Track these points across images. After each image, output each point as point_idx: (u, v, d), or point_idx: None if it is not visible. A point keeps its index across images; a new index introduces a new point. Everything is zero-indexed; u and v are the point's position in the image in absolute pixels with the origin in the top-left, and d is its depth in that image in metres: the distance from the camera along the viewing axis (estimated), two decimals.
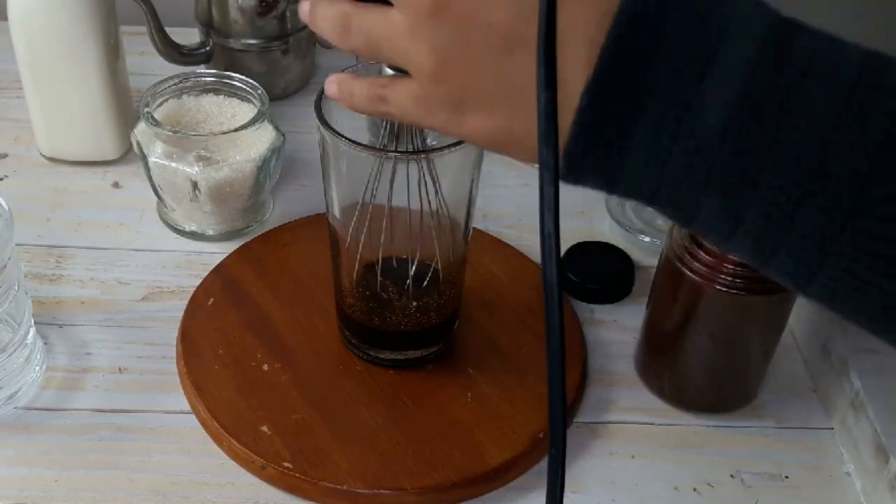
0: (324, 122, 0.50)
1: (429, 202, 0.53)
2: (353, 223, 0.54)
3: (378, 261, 0.55)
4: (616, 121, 0.33)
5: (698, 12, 0.32)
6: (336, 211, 0.54)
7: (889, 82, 0.31)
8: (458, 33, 0.36)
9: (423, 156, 0.51)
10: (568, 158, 0.35)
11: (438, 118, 0.39)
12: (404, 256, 0.56)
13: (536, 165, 0.35)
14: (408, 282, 0.55)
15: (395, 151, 0.50)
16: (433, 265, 0.55)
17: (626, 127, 0.33)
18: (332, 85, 0.44)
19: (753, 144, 0.32)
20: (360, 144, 0.49)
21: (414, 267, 0.55)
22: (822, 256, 0.32)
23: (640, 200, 0.36)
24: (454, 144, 0.49)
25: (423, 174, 0.52)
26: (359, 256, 0.55)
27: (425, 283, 0.56)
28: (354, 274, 0.56)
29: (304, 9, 0.42)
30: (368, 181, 0.51)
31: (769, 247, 0.33)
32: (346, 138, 0.49)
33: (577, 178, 0.36)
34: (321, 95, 0.51)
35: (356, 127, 0.53)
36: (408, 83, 0.39)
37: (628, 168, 0.34)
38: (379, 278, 0.55)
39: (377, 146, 0.51)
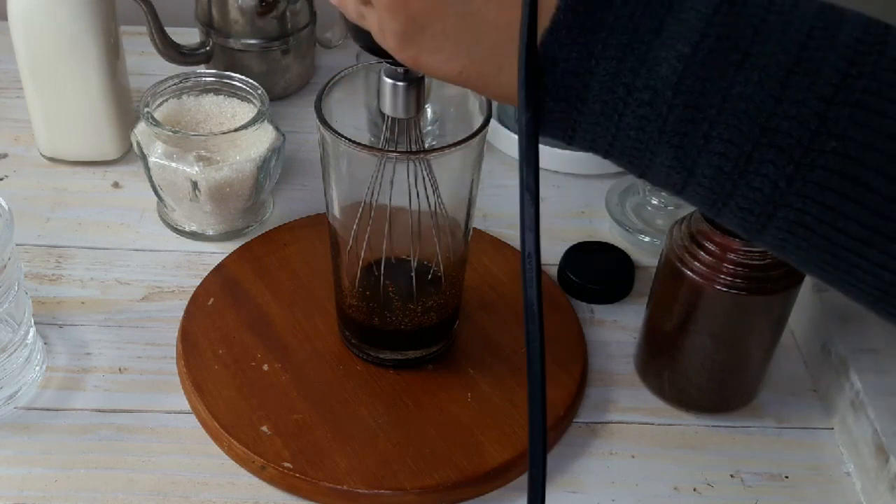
0: (324, 121, 0.50)
1: (428, 202, 0.53)
2: (353, 223, 0.54)
3: (378, 261, 0.55)
4: (574, 70, 0.34)
5: None
6: (336, 211, 0.54)
7: (839, 40, 0.32)
8: None
9: (422, 156, 0.51)
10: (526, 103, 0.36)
11: (397, 49, 0.38)
12: (405, 257, 0.56)
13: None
14: (408, 282, 0.55)
15: (395, 151, 0.50)
16: (433, 265, 0.55)
17: (583, 77, 0.34)
18: None
19: (705, 98, 0.33)
20: (360, 144, 0.49)
21: (414, 267, 0.55)
22: (772, 208, 0.33)
23: (596, 152, 0.37)
24: (454, 144, 0.49)
25: (423, 174, 0.52)
26: (359, 257, 0.55)
27: (425, 283, 0.56)
28: (355, 274, 0.56)
29: None
30: (369, 181, 0.51)
31: (721, 198, 0.34)
32: (345, 138, 0.49)
33: (539, 129, 0.36)
34: (321, 95, 0.51)
35: (356, 126, 0.53)
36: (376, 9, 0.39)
37: (586, 118, 0.35)
38: (379, 279, 0.55)
39: (377, 146, 0.51)
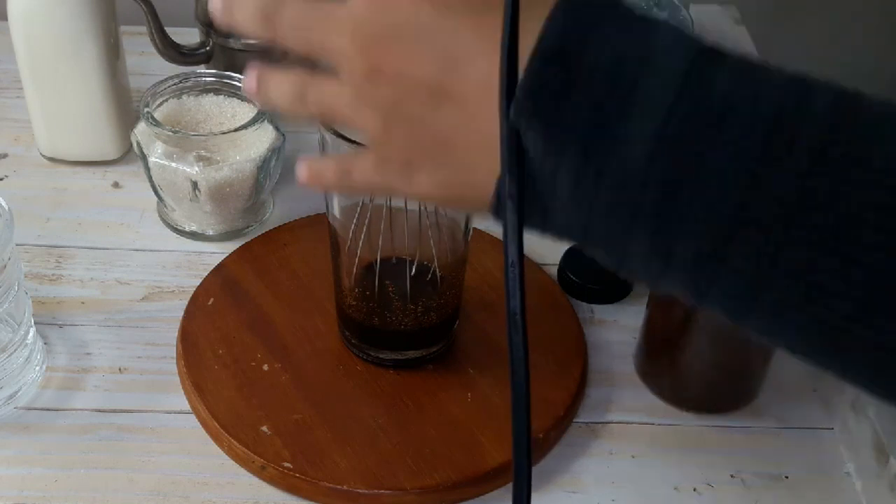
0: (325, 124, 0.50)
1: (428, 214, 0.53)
2: (353, 223, 0.54)
3: (378, 261, 0.55)
4: (540, 157, 0.34)
5: (618, 49, 0.32)
6: (336, 211, 0.54)
7: (812, 111, 0.31)
8: (393, 93, 0.37)
9: None
10: (499, 195, 0.36)
11: (395, 181, 0.40)
12: (404, 257, 0.56)
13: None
14: (408, 282, 0.55)
15: None
16: (433, 265, 0.55)
17: (550, 172, 0.34)
18: (302, 170, 0.44)
19: (677, 181, 0.31)
20: (360, 145, 0.49)
21: (414, 267, 0.55)
22: (757, 290, 0.31)
23: (572, 240, 0.36)
24: None
25: None
26: (359, 257, 0.55)
27: (425, 283, 0.56)
28: (354, 274, 0.56)
29: (250, 84, 0.43)
30: None
31: (703, 283, 0.33)
32: (346, 139, 0.49)
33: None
34: None
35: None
36: (366, 151, 0.40)
37: (558, 204, 0.35)
38: (379, 278, 0.55)
39: None
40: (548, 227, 0.36)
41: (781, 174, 0.30)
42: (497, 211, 0.36)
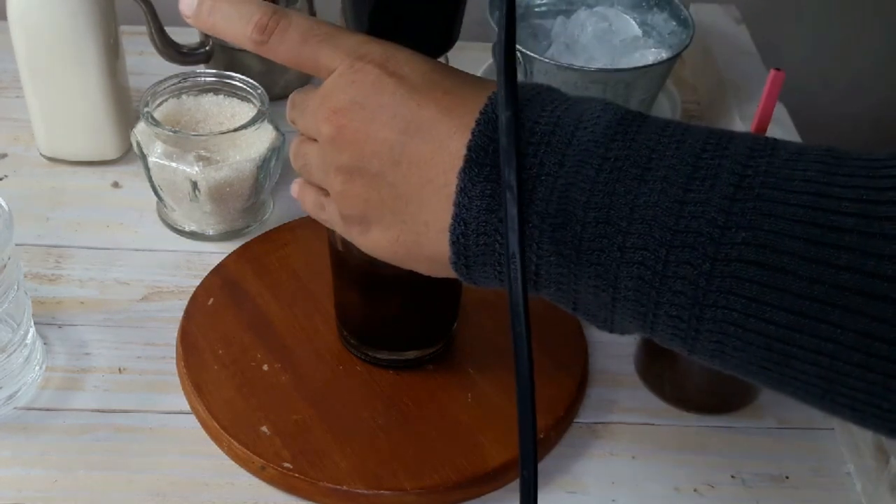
0: None
1: None
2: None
3: (376, 259, 0.55)
4: (487, 207, 0.37)
5: (554, 116, 0.37)
6: None
7: (731, 150, 0.34)
8: (355, 153, 0.40)
9: None
10: (455, 249, 0.39)
11: (353, 233, 0.43)
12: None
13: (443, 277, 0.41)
14: (406, 281, 0.55)
15: None
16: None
17: (496, 213, 0.37)
18: (295, 185, 0.48)
19: (614, 212, 0.34)
20: None
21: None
22: (699, 310, 0.33)
23: (531, 289, 0.38)
24: None
25: None
26: (356, 256, 0.54)
27: (424, 282, 0.56)
28: (352, 274, 0.56)
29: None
30: None
31: (650, 310, 0.35)
32: None
33: (467, 271, 0.40)
34: None
35: None
36: (332, 201, 0.43)
37: (501, 249, 0.37)
38: (377, 278, 0.55)
39: None
40: (503, 278, 0.38)
41: (707, 199, 0.33)
42: (458, 267, 0.39)
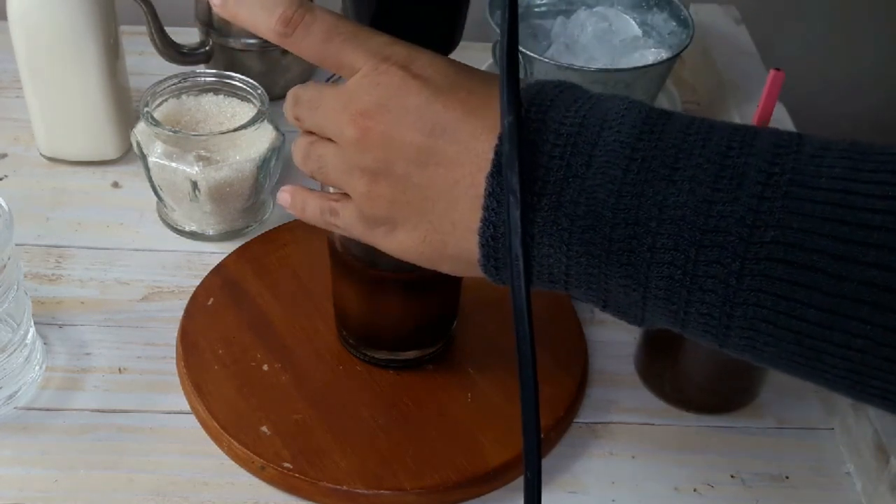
0: None
1: None
2: None
3: (374, 260, 0.55)
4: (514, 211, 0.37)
5: (579, 115, 0.37)
6: None
7: (757, 147, 0.34)
8: (380, 155, 0.40)
9: None
10: (484, 252, 0.39)
11: (376, 235, 0.43)
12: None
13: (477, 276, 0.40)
14: (406, 281, 0.55)
15: None
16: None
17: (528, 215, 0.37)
18: (285, 195, 0.48)
19: (643, 212, 0.35)
20: None
21: (412, 266, 0.55)
22: (729, 308, 0.34)
23: (556, 287, 0.39)
24: None
25: None
26: (356, 256, 0.54)
27: (423, 282, 0.56)
28: (352, 274, 0.56)
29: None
30: None
31: (681, 308, 0.36)
32: None
33: (496, 272, 0.40)
34: None
35: None
36: (351, 203, 0.43)
37: (539, 255, 0.38)
38: (376, 278, 0.55)
39: None
40: (532, 278, 0.39)
41: (735, 198, 0.34)
42: (487, 269, 0.40)
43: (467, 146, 0.39)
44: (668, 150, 0.35)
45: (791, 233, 0.33)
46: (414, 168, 0.40)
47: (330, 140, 0.43)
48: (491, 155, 0.38)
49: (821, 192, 0.33)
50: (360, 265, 0.54)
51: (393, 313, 0.57)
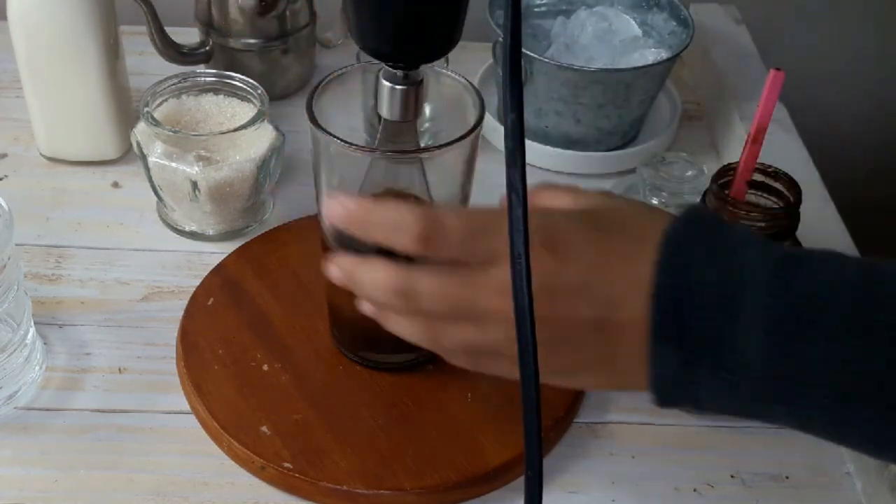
0: (314, 120, 0.49)
1: (422, 202, 0.53)
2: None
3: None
4: (680, 371, 0.41)
5: (717, 280, 0.40)
6: (325, 216, 0.54)
7: (884, 302, 0.39)
8: (558, 330, 0.42)
9: (413, 155, 0.51)
10: (658, 395, 0.43)
11: (557, 380, 0.45)
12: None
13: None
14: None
15: (387, 150, 0.50)
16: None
17: (690, 374, 0.41)
18: (405, 323, 0.46)
19: (790, 368, 0.39)
20: (351, 144, 0.49)
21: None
22: (883, 442, 0.40)
23: (733, 416, 0.43)
24: (448, 144, 0.49)
25: (416, 176, 0.52)
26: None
27: None
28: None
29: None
30: (361, 183, 0.51)
31: (842, 435, 0.42)
32: (336, 137, 0.48)
33: (673, 408, 0.44)
34: (313, 94, 0.50)
35: (351, 127, 0.53)
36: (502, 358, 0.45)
37: (705, 399, 0.42)
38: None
39: (371, 146, 0.51)
40: (704, 413, 0.47)
41: (868, 358, 0.38)
42: (662, 406, 0.43)
43: (639, 316, 0.41)
44: (803, 304, 0.39)
45: None
46: (591, 334, 0.43)
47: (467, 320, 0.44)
48: (650, 319, 0.41)
49: None
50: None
51: None
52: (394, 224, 0.43)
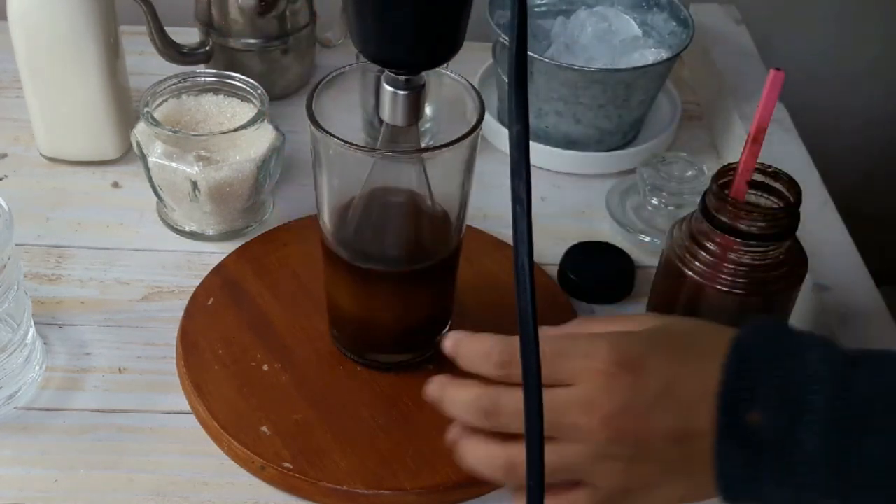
0: (314, 120, 0.49)
1: (421, 201, 0.53)
2: (345, 224, 0.54)
3: (369, 262, 0.54)
4: (745, 469, 0.43)
5: (783, 382, 0.43)
6: (326, 214, 0.54)
7: None
8: (637, 448, 0.44)
9: (415, 156, 0.51)
10: (723, 492, 0.44)
11: (633, 500, 0.46)
12: (396, 256, 0.55)
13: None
14: (400, 283, 0.55)
15: (388, 151, 0.50)
16: (425, 266, 0.55)
17: (755, 471, 0.43)
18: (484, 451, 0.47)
19: (846, 467, 0.41)
20: (351, 144, 0.48)
21: (407, 268, 0.55)
22: None
23: None
24: (447, 144, 0.49)
25: (416, 176, 0.52)
26: (350, 257, 0.54)
27: (418, 285, 0.56)
28: (346, 277, 0.56)
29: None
30: (361, 184, 0.51)
31: None
32: (337, 137, 0.48)
33: (735, 499, 0.45)
34: (313, 94, 0.50)
35: (351, 128, 0.53)
36: (592, 493, 0.46)
37: (767, 490, 0.44)
38: (370, 280, 0.55)
39: (372, 147, 0.51)
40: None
41: None
42: (730, 499, 0.45)
43: (713, 418, 0.43)
44: (860, 406, 0.42)
45: None
46: (671, 446, 0.44)
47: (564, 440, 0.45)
48: (715, 430, 0.43)
49: None
50: (351, 262, 0.54)
51: (386, 311, 0.57)
52: (479, 354, 0.47)
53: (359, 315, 0.58)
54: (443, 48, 0.47)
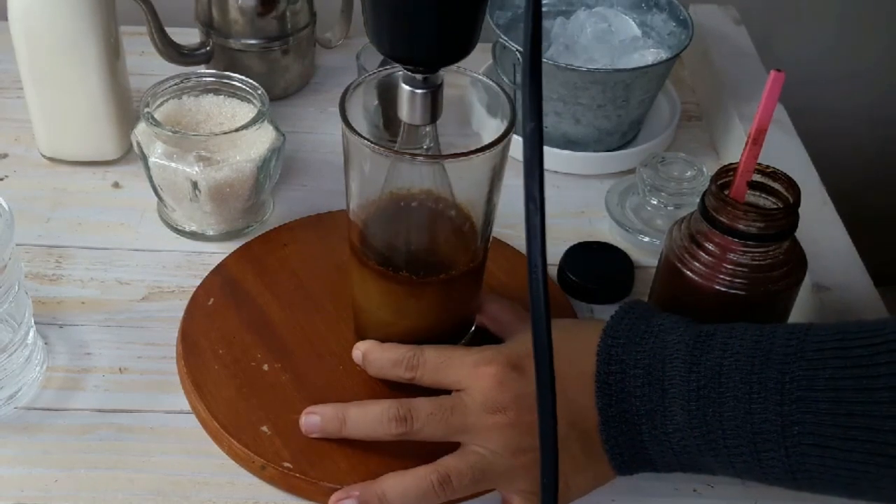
0: (347, 123, 0.49)
1: (446, 206, 0.53)
2: (371, 222, 0.54)
3: (395, 263, 0.54)
4: (630, 443, 0.50)
5: (645, 363, 0.50)
6: (355, 207, 0.54)
7: (773, 357, 0.47)
8: (532, 437, 0.46)
9: (447, 160, 0.51)
10: (617, 465, 0.52)
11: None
12: (421, 260, 0.55)
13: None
14: (425, 289, 0.55)
15: (421, 155, 0.50)
16: (451, 271, 0.55)
17: (638, 444, 0.50)
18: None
19: (710, 430, 0.48)
20: (385, 147, 0.48)
21: (433, 276, 0.55)
22: (791, 473, 0.47)
23: (685, 472, 0.52)
24: (476, 151, 0.49)
25: (439, 176, 0.52)
26: (376, 258, 0.54)
27: (445, 291, 0.56)
28: (371, 277, 0.55)
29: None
30: (385, 182, 0.51)
31: (760, 476, 0.49)
32: (371, 141, 0.48)
33: (630, 472, 0.52)
34: (346, 94, 0.50)
35: (375, 125, 0.53)
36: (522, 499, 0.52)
37: (653, 456, 0.51)
38: (397, 285, 0.55)
39: (397, 148, 0.51)
40: (657, 470, 0.52)
41: (765, 410, 0.46)
42: (625, 471, 0.52)
43: (585, 398, 0.51)
44: (712, 377, 0.48)
45: (809, 426, 0.45)
46: (569, 431, 0.50)
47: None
48: (595, 412, 0.51)
49: (820, 392, 0.45)
50: (382, 270, 0.54)
51: (416, 318, 0.57)
52: (392, 361, 0.55)
53: (387, 320, 0.57)
54: (461, 45, 0.47)
